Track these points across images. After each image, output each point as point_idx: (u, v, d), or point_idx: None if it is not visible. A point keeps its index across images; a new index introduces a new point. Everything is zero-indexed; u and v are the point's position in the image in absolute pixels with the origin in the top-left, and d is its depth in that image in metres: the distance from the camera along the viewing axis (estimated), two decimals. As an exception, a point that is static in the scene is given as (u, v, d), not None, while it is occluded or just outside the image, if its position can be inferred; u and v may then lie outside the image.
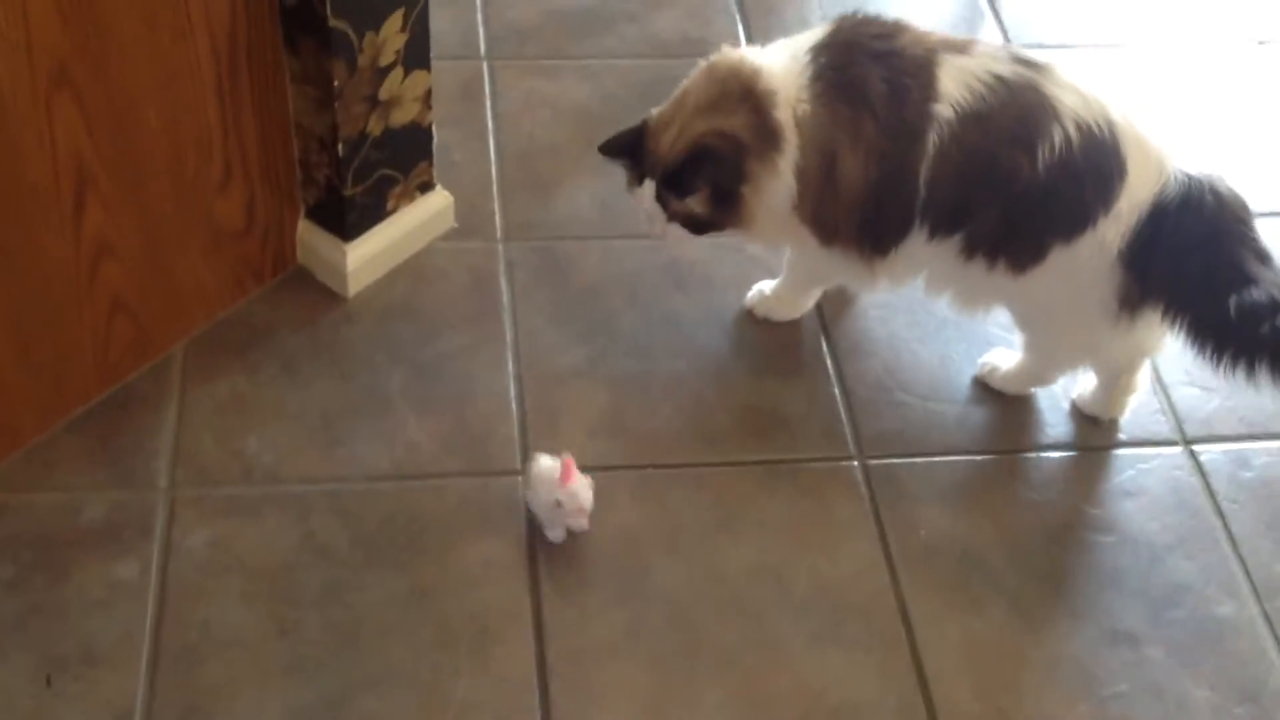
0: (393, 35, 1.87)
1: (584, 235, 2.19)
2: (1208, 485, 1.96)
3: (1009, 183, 1.74)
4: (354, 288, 2.06)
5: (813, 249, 1.87)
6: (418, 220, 2.11)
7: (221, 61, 1.78)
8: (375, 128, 1.95)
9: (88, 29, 1.61)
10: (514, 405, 1.96)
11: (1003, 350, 2.05)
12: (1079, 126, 1.72)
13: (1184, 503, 1.94)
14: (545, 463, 1.78)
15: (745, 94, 1.77)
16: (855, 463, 1.94)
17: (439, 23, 2.00)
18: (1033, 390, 2.04)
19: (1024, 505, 1.92)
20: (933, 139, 1.73)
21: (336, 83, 1.84)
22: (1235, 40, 2.71)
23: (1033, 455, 1.98)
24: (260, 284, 2.05)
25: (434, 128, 2.05)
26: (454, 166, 2.24)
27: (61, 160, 1.67)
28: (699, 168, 1.78)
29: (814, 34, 1.82)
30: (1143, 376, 2.00)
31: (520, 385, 1.98)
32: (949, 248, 1.81)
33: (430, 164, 2.09)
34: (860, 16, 1.82)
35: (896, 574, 1.82)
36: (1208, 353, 1.72)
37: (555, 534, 1.79)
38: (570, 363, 2.02)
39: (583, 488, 1.76)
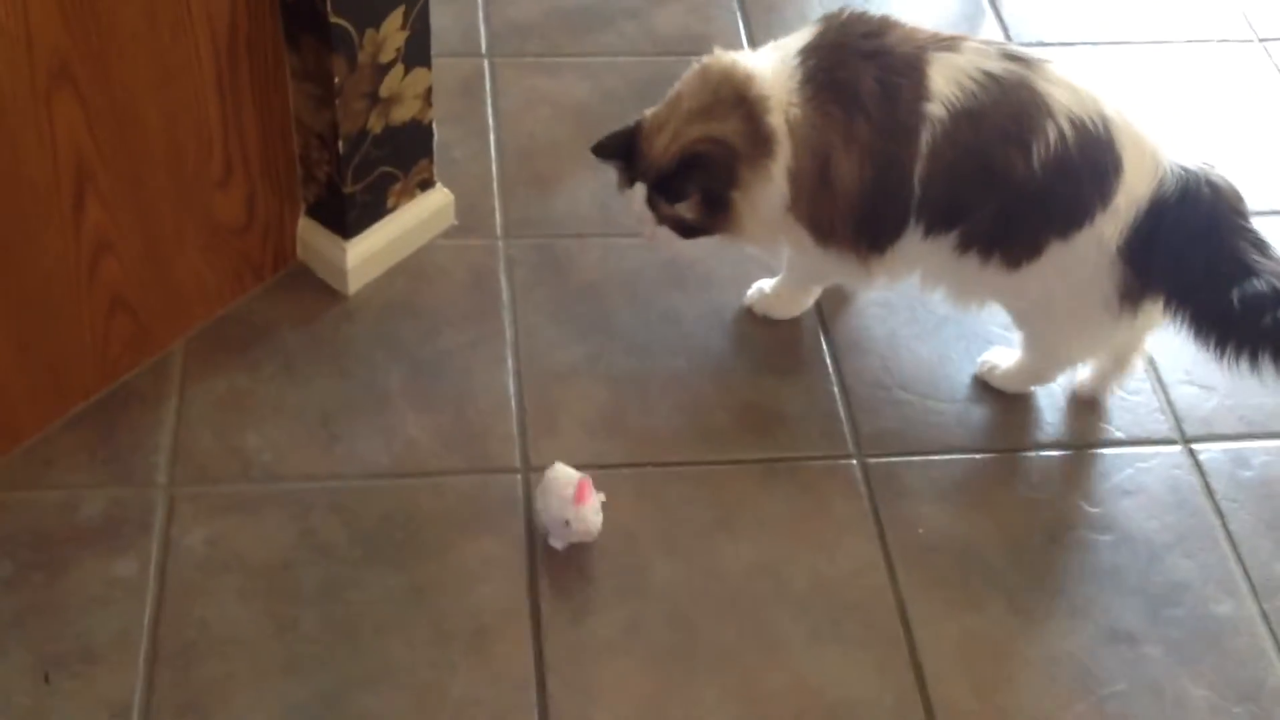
0: (393, 32, 1.87)
1: (584, 233, 2.20)
2: (1207, 484, 1.96)
3: (1005, 180, 1.74)
4: (354, 285, 2.07)
5: (808, 248, 1.87)
6: (418, 218, 2.11)
7: (222, 58, 1.78)
8: (376, 125, 1.95)
9: (88, 25, 1.61)
10: (513, 403, 1.96)
11: (1002, 348, 2.05)
12: (1073, 123, 1.72)
13: (1183, 501, 1.94)
14: (562, 475, 1.77)
15: (738, 100, 1.76)
16: (854, 461, 1.94)
17: (440, 20, 2.00)
18: (1032, 389, 2.04)
19: (1023, 504, 1.92)
20: (925, 138, 1.73)
21: (337, 80, 1.84)
22: (1237, 37, 2.70)
23: (1032, 454, 1.98)
24: (260, 281, 2.06)
25: (434, 125, 2.05)
26: (454, 164, 2.24)
27: (61, 157, 1.67)
28: (691, 174, 1.78)
29: (802, 35, 1.81)
30: (1140, 363, 2.02)
31: (520, 383, 1.99)
32: (944, 244, 1.81)
33: (431, 161, 2.09)
34: (847, 15, 1.81)
35: (895, 572, 1.82)
36: (1211, 344, 1.73)
37: (557, 543, 1.79)
38: (570, 360, 2.02)
39: (592, 512, 1.75)
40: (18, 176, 1.64)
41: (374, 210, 2.05)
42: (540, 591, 1.76)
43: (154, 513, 1.79)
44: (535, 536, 1.81)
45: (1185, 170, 1.74)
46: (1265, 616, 1.82)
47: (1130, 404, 2.04)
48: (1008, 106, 1.73)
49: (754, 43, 2.46)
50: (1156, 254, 1.74)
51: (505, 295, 2.09)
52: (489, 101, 2.38)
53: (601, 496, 1.78)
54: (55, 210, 1.71)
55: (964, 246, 1.80)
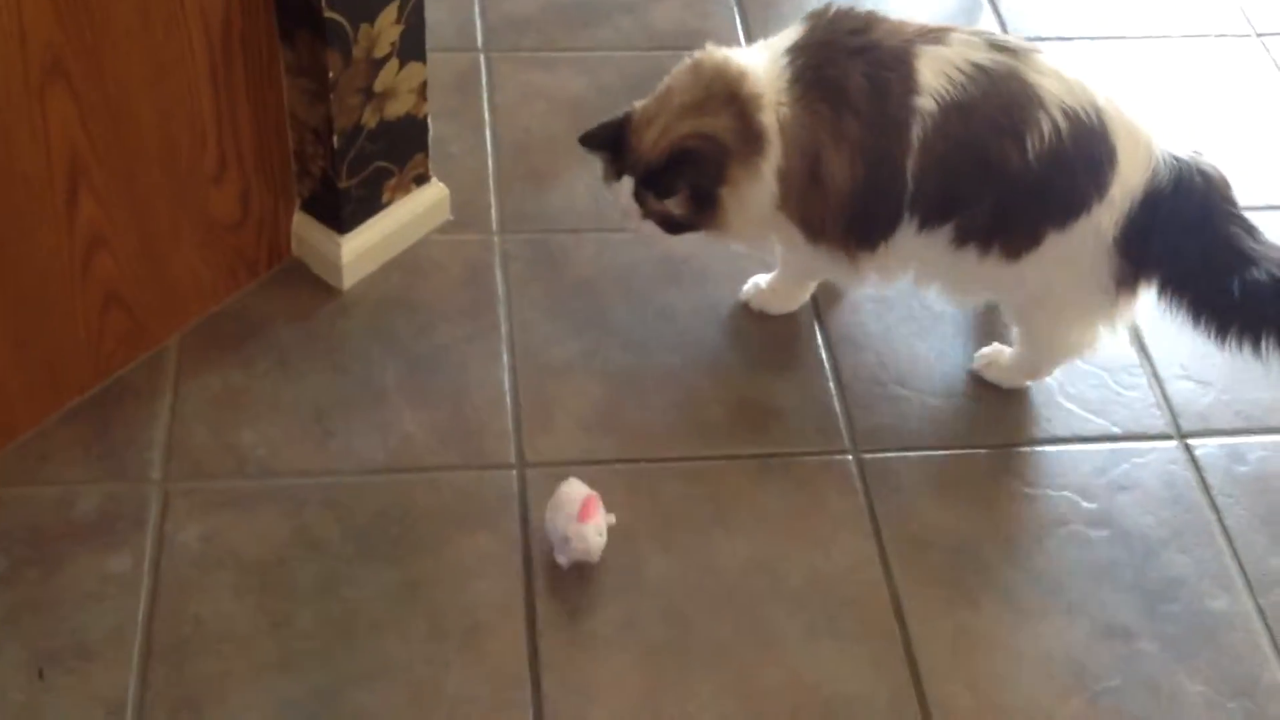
0: (388, 27, 1.87)
1: (579, 228, 2.19)
2: (1202, 479, 1.96)
3: (1001, 172, 1.74)
4: (349, 280, 2.06)
5: (799, 245, 1.87)
6: (413, 213, 2.11)
7: (216, 53, 1.78)
8: (370, 120, 1.95)
9: (81, 20, 1.60)
10: (509, 398, 1.96)
11: (998, 344, 2.05)
12: (1066, 114, 1.72)
13: (1179, 497, 1.94)
14: (572, 491, 1.76)
15: (730, 97, 1.76)
16: (849, 456, 1.94)
17: (435, 14, 2.00)
18: (1028, 384, 2.04)
19: (1018, 499, 1.92)
20: (916, 132, 1.73)
21: (331, 74, 1.84)
22: (1235, 32, 2.70)
23: (1027, 449, 1.98)
24: (255, 277, 2.05)
25: (430, 120, 2.05)
26: (450, 159, 2.24)
27: (54, 152, 1.67)
28: (681, 170, 1.78)
29: (790, 34, 1.81)
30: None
31: (515, 378, 1.98)
32: (939, 238, 1.81)
33: (426, 156, 2.09)
34: (833, 12, 1.81)
35: (890, 567, 1.82)
36: (1211, 332, 1.76)
37: (561, 558, 1.76)
38: (565, 356, 2.02)
39: (594, 532, 1.73)
40: (11, 172, 1.64)
41: (369, 205, 2.05)
42: (535, 587, 1.76)
43: (148, 508, 1.79)
44: (531, 532, 1.80)
45: (1177, 160, 1.76)
46: (1261, 611, 1.82)
47: (1126, 399, 2.04)
48: (998, 98, 1.73)
49: (751, 38, 2.46)
50: (1153, 243, 1.76)
51: (501, 290, 2.09)
52: (484, 96, 2.38)
53: (611, 518, 1.77)
54: (49, 206, 1.70)
55: (961, 240, 1.80)
